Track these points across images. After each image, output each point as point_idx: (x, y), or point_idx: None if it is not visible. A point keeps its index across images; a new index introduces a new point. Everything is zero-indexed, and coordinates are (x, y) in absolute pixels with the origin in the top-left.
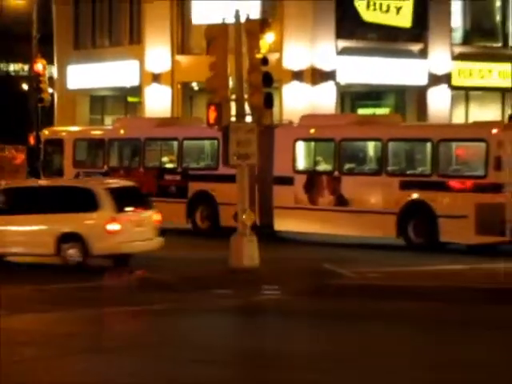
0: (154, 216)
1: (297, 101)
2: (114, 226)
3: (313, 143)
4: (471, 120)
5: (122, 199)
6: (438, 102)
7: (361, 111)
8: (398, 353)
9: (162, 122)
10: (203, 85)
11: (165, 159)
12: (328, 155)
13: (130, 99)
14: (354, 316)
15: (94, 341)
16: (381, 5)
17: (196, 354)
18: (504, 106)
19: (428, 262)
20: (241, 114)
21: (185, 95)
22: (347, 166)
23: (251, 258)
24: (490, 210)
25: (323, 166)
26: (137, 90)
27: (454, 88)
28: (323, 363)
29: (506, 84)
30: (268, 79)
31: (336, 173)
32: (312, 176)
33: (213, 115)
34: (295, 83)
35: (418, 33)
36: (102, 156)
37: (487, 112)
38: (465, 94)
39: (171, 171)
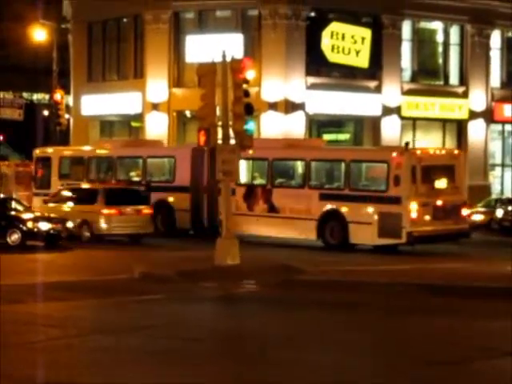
0: None
1: (272, 127)
2: None
3: (251, 162)
4: (418, 145)
5: None
6: (390, 129)
7: (325, 136)
8: (344, 335)
9: (130, 143)
10: (195, 113)
11: (132, 173)
12: (262, 171)
13: (133, 124)
14: (316, 304)
15: (103, 324)
16: (343, 48)
17: (186, 332)
18: (444, 133)
19: (370, 262)
20: (226, 137)
21: (179, 121)
22: (278, 180)
23: (233, 257)
24: (389, 218)
25: (258, 180)
26: (139, 117)
27: (403, 118)
28: (292, 341)
29: (446, 115)
30: (249, 109)
31: (268, 186)
32: (250, 188)
33: (202, 138)
34: (271, 112)
35: (374, 72)
36: (82, 171)
37: (431, 138)
38: (412, 123)
39: (137, 183)
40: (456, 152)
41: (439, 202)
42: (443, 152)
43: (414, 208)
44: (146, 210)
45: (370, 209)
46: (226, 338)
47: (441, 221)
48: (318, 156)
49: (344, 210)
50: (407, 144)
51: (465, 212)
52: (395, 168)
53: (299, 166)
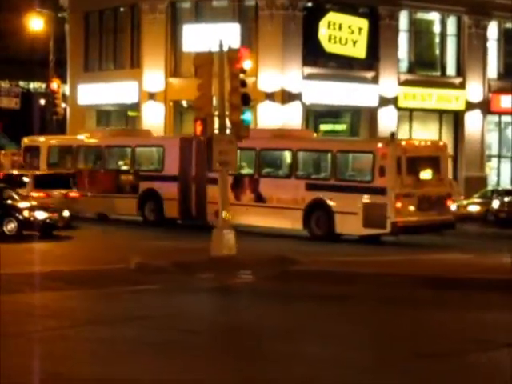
0: None
1: (269, 117)
2: None
3: (239, 152)
4: (414, 135)
5: None
6: (387, 120)
7: (322, 127)
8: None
9: (118, 133)
10: (191, 103)
11: (121, 163)
12: (250, 161)
13: (130, 114)
14: (312, 296)
15: (99, 314)
16: (340, 38)
17: (183, 324)
18: (441, 124)
19: (360, 253)
20: (223, 128)
21: (176, 111)
22: (265, 170)
23: (229, 248)
24: (374, 208)
25: (246, 170)
26: (136, 106)
27: (400, 109)
28: (289, 334)
29: (443, 106)
30: (246, 99)
31: (256, 176)
32: (237, 178)
33: (199, 128)
34: (268, 103)
35: (371, 62)
36: (70, 160)
37: (427, 129)
38: (409, 114)
39: (126, 172)
40: (441, 144)
41: (424, 193)
42: (428, 143)
43: (398, 198)
44: (73, 194)
45: (356, 199)
46: (223, 330)
47: (425, 212)
48: (304, 146)
49: (330, 200)
50: (393, 135)
51: (449, 203)
52: (380, 159)
53: (286, 156)
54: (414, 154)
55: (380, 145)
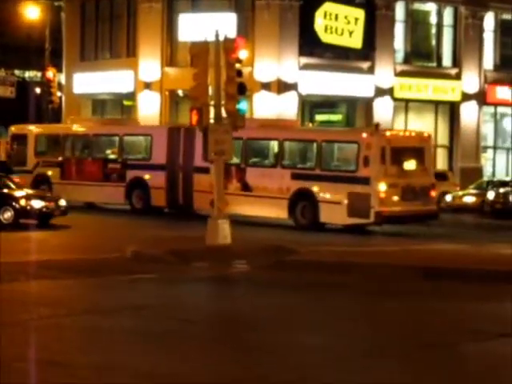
0: None
1: (265, 107)
2: None
3: None
4: (410, 126)
5: None
6: (383, 110)
7: (318, 117)
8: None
9: (106, 122)
10: (187, 92)
11: (108, 151)
12: (237, 150)
13: (125, 103)
14: (308, 286)
15: (95, 303)
16: (336, 29)
17: (180, 314)
18: (437, 115)
19: (352, 243)
20: (218, 117)
21: (171, 101)
22: (251, 159)
23: (225, 238)
24: (358, 198)
25: (233, 160)
26: (131, 96)
27: (396, 100)
28: (282, 323)
29: (438, 97)
30: (242, 88)
31: (242, 165)
32: (224, 167)
33: (195, 118)
34: (264, 93)
35: (367, 53)
36: (58, 148)
37: (423, 120)
38: (405, 104)
39: (113, 161)
40: (425, 135)
41: (408, 183)
42: (413, 134)
43: (382, 188)
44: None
45: (340, 188)
46: (220, 320)
47: (409, 202)
48: (290, 136)
49: (315, 189)
50: (377, 125)
51: (433, 193)
52: (365, 149)
53: (272, 146)
54: (398, 145)
55: (364, 135)
